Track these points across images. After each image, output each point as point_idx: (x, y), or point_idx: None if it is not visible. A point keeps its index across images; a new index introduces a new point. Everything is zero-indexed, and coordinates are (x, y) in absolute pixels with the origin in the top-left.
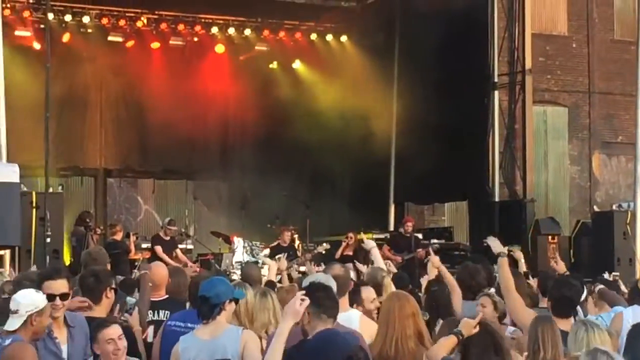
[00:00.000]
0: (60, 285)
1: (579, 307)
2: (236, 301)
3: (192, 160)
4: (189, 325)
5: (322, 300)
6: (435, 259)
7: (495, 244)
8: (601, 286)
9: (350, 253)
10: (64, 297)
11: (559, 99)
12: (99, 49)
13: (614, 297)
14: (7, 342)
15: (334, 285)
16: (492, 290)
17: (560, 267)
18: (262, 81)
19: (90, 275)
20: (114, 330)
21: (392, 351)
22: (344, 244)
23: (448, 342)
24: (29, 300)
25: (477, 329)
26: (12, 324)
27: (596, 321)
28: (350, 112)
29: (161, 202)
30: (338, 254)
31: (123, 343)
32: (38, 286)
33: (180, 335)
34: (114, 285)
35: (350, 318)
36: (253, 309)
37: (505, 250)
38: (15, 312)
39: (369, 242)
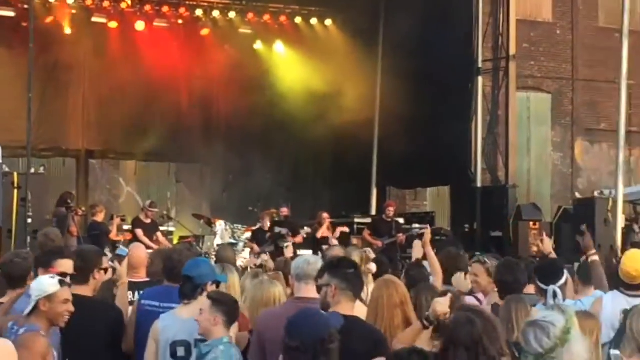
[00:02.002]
0: (69, 265)
1: (559, 291)
2: (218, 284)
3: (174, 143)
4: (164, 305)
5: (350, 277)
6: (427, 236)
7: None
8: (596, 258)
9: (329, 235)
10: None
11: (543, 85)
12: (83, 30)
13: (602, 276)
14: (22, 330)
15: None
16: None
17: (546, 246)
18: (246, 64)
19: (76, 256)
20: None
21: None
22: (322, 227)
23: (412, 331)
24: (38, 284)
25: (449, 312)
26: (27, 308)
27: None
28: (333, 96)
29: (143, 184)
30: (319, 236)
31: (201, 319)
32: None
33: (155, 315)
34: (104, 266)
35: None
36: (239, 291)
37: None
38: (29, 296)
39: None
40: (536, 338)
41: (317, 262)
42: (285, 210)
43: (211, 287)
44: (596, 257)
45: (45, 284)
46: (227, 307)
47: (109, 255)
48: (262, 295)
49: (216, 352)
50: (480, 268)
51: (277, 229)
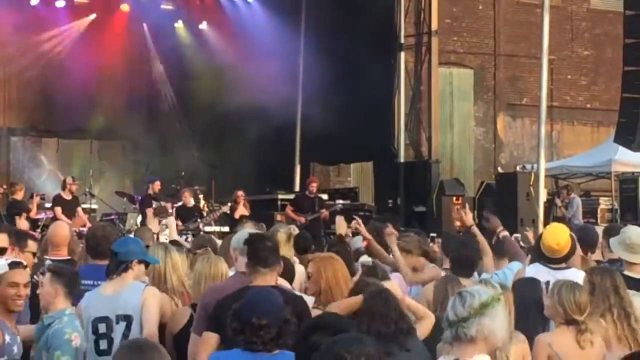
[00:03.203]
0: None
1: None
2: (146, 265)
3: (97, 120)
4: (98, 282)
5: (259, 252)
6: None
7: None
8: (505, 233)
9: (246, 213)
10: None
11: (465, 60)
12: (2, 6)
13: (516, 248)
14: None
15: None
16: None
17: (468, 219)
18: (168, 41)
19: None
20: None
21: None
22: (238, 205)
23: (351, 301)
24: None
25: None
26: None
27: (491, 279)
28: (256, 73)
29: (66, 161)
30: (237, 216)
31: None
32: None
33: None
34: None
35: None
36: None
37: None
38: None
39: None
40: (453, 306)
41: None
42: (158, 184)
43: (138, 266)
44: (505, 233)
45: None
46: (67, 278)
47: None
48: (210, 271)
49: (61, 322)
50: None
51: (156, 204)
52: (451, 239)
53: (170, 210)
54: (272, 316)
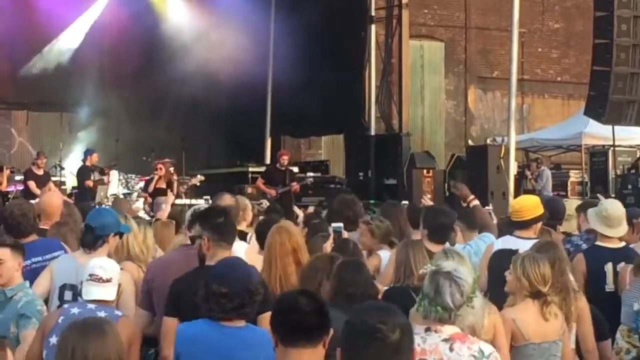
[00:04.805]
0: None
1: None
2: (120, 235)
3: (67, 92)
4: (47, 257)
5: (222, 227)
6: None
7: None
8: (476, 202)
9: (164, 186)
10: None
11: (436, 33)
12: None
13: (487, 219)
14: None
15: None
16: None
17: (467, 193)
18: (139, 13)
19: None
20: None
21: (277, 290)
22: (155, 176)
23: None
24: None
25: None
26: None
27: (461, 250)
28: (226, 45)
29: (35, 134)
30: (151, 188)
31: (5, 269)
32: None
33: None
34: None
35: (236, 249)
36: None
37: None
38: None
39: None
40: (451, 293)
41: None
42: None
43: (113, 239)
44: (476, 202)
45: None
46: (22, 251)
47: None
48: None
49: (28, 295)
50: (364, 227)
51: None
52: (416, 211)
53: (106, 181)
54: (234, 285)
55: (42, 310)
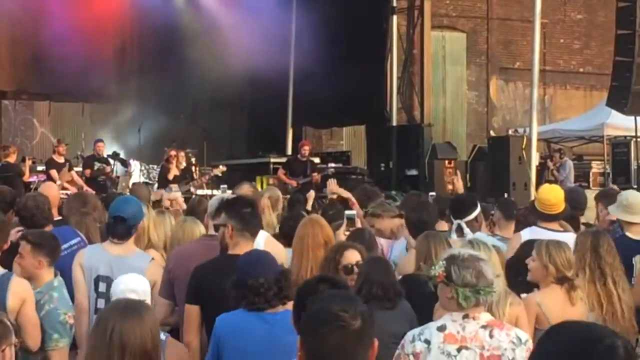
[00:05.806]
0: None
1: (464, 225)
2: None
3: (89, 83)
4: (65, 247)
5: (247, 216)
6: (332, 186)
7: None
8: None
9: (178, 173)
10: None
11: (458, 24)
12: None
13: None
14: None
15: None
16: None
17: (459, 186)
18: (162, 4)
19: None
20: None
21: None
22: (171, 165)
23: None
24: None
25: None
26: None
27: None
28: (249, 37)
29: (57, 124)
30: (171, 176)
31: (24, 263)
32: None
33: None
34: None
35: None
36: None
37: None
38: None
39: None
40: (486, 272)
41: None
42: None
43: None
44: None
45: None
46: (48, 247)
47: None
48: (183, 234)
49: (52, 300)
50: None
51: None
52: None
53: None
54: (269, 273)
55: (65, 320)
